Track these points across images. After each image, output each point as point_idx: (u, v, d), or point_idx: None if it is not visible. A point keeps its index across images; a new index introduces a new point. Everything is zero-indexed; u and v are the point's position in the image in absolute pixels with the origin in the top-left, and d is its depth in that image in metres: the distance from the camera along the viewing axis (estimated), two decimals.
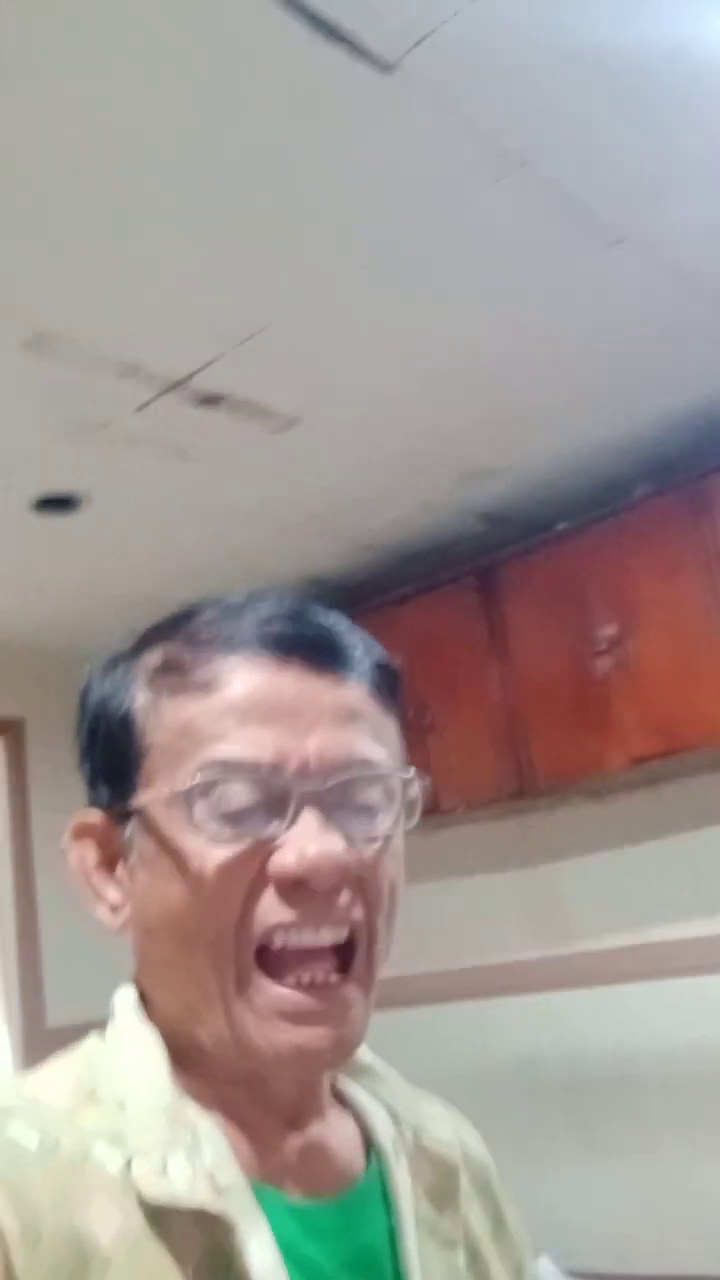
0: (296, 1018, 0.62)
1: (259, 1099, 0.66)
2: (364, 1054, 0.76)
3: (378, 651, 0.71)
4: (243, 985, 0.62)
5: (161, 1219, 0.58)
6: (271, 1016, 0.62)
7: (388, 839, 0.66)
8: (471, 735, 3.17)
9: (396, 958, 0.69)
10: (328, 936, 0.63)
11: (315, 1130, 0.69)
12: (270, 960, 0.63)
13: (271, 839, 0.62)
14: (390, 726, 0.70)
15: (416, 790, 0.68)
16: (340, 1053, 0.64)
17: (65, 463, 2.59)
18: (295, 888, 0.62)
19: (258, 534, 3.17)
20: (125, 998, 0.69)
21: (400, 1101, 0.75)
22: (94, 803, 0.70)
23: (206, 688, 0.65)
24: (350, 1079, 0.74)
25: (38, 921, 3.64)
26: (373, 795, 0.66)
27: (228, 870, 0.62)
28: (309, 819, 0.62)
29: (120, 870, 0.68)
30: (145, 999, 0.68)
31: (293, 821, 0.62)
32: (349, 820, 0.64)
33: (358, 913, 0.64)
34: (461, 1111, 0.82)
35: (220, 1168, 0.60)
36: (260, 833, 0.62)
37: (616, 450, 2.95)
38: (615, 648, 2.94)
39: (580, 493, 3.12)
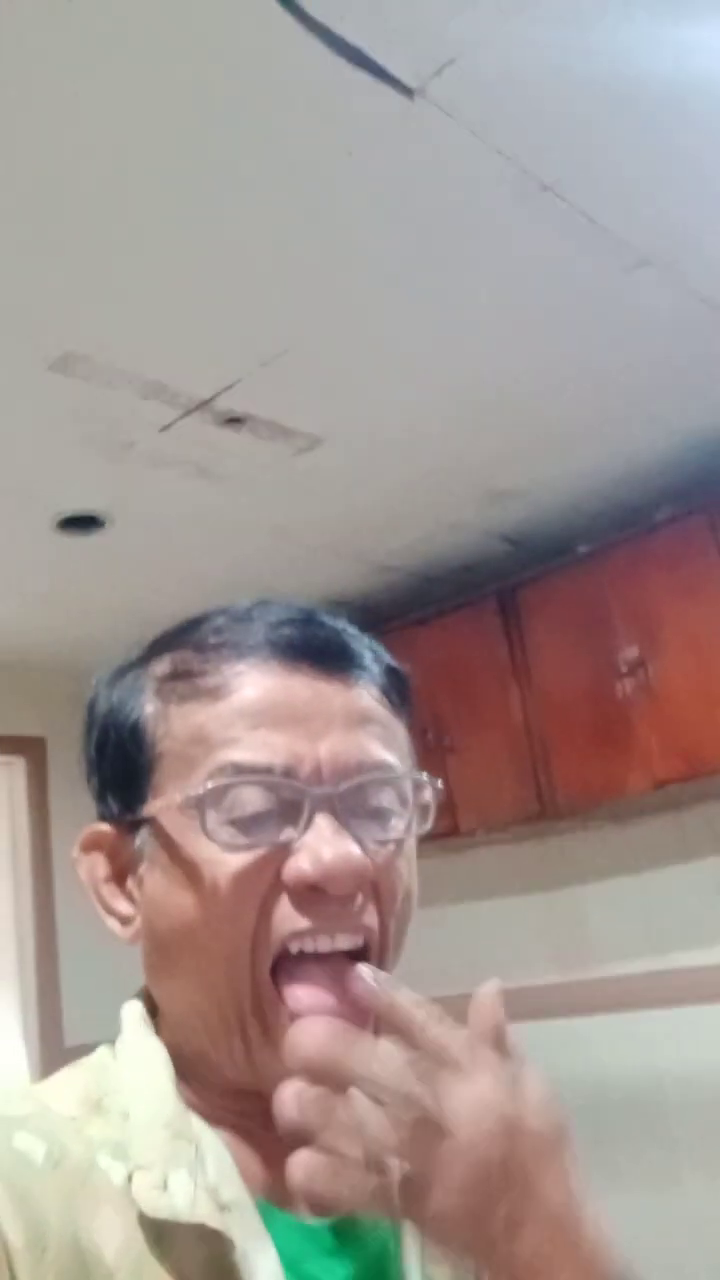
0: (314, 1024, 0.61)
1: (266, 1112, 0.66)
2: None
3: (385, 656, 0.71)
4: (258, 1008, 0.62)
5: (164, 1234, 0.57)
6: (287, 1029, 0.60)
7: (400, 843, 0.65)
8: (492, 757, 3.16)
9: (413, 980, 0.68)
10: (344, 943, 0.62)
11: None
12: (286, 967, 0.62)
13: (286, 845, 0.62)
14: (400, 730, 0.69)
15: (429, 794, 0.68)
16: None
17: (90, 482, 2.61)
18: (311, 894, 0.61)
19: (280, 554, 3.18)
20: (133, 1010, 0.68)
21: None
22: (103, 814, 0.69)
23: (216, 693, 0.64)
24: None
25: (57, 939, 3.64)
26: (385, 799, 0.65)
27: (242, 878, 0.61)
28: (323, 824, 0.61)
29: (130, 882, 0.67)
30: (155, 1011, 0.68)
31: (307, 827, 0.61)
32: (362, 824, 0.63)
33: (372, 918, 0.64)
34: None
35: (223, 1184, 0.59)
36: (274, 839, 0.62)
37: (639, 473, 2.95)
38: (637, 670, 2.93)
39: (602, 515, 3.12)
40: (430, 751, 3.07)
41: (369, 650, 0.69)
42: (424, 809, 0.67)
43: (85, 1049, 0.69)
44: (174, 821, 0.64)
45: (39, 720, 3.76)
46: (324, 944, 0.62)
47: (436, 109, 1.59)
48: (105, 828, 0.69)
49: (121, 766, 0.68)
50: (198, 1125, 0.62)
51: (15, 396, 2.20)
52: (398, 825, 0.65)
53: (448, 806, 3.10)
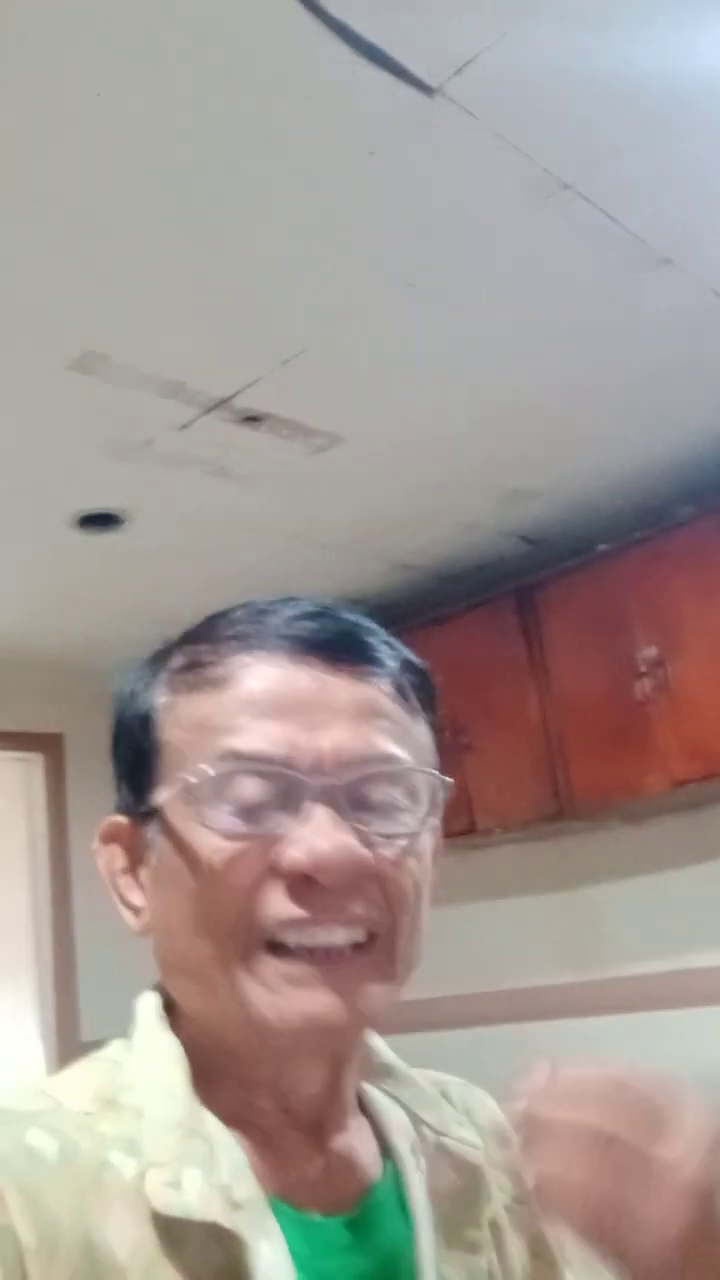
0: (306, 984, 0.61)
1: (282, 1109, 0.66)
2: (386, 1055, 0.75)
3: (405, 652, 0.70)
4: (249, 960, 0.61)
5: (177, 1232, 0.57)
6: (280, 986, 0.61)
7: (411, 839, 0.65)
8: (509, 757, 3.15)
9: (429, 979, 0.68)
10: (341, 936, 0.62)
11: (338, 1142, 0.68)
12: (281, 950, 0.62)
13: (282, 834, 0.61)
14: (418, 728, 0.69)
15: (443, 791, 0.67)
16: (351, 1023, 0.62)
17: (108, 481, 2.62)
18: (305, 884, 0.61)
19: (298, 552, 3.18)
20: (147, 1003, 0.68)
21: (422, 1104, 0.74)
22: (120, 806, 0.70)
23: (222, 684, 0.65)
24: (371, 1082, 0.73)
25: (74, 934, 3.66)
26: (392, 793, 0.64)
27: (236, 864, 0.61)
28: (321, 815, 0.61)
29: (143, 873, 0.68)
30: (171, 1006, 0.68)
31: (304, 817, 0.61)
32: (366, 818, 0.63)
33: (374, 913, 0.63)
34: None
35: (237, 1182, 0.59)
36: (272, 828, 0.62)
37: (657, 472, 2.94)
38: (655, 670, 2.92)
39: (621, 514, 3.11)
40: (447, 750, 3.04)
41: (385, 645, 0.69)
42: (438, 805, 0.67)
43: (101, 1044, 0.69)
44: (176, 811, 0.64)
45: (57, 717, 3.78)
46: (321, 936, 0.61)
47: (456, 108, 1.59)
48: (122, 819, 0.69)
49: (133, 757, 0.68)
50: (212, 1123, 0.62)
51: (34, 396, 2.21)
52: (408, 821, 0.65)
53: (464, 805, 3.10)
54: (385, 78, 1.52)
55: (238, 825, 0.62)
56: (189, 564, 3.15)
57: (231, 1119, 0.63)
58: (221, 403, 2.32)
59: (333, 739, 0.63)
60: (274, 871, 0.61)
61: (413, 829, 0.65)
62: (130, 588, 3.27)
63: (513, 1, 1.43)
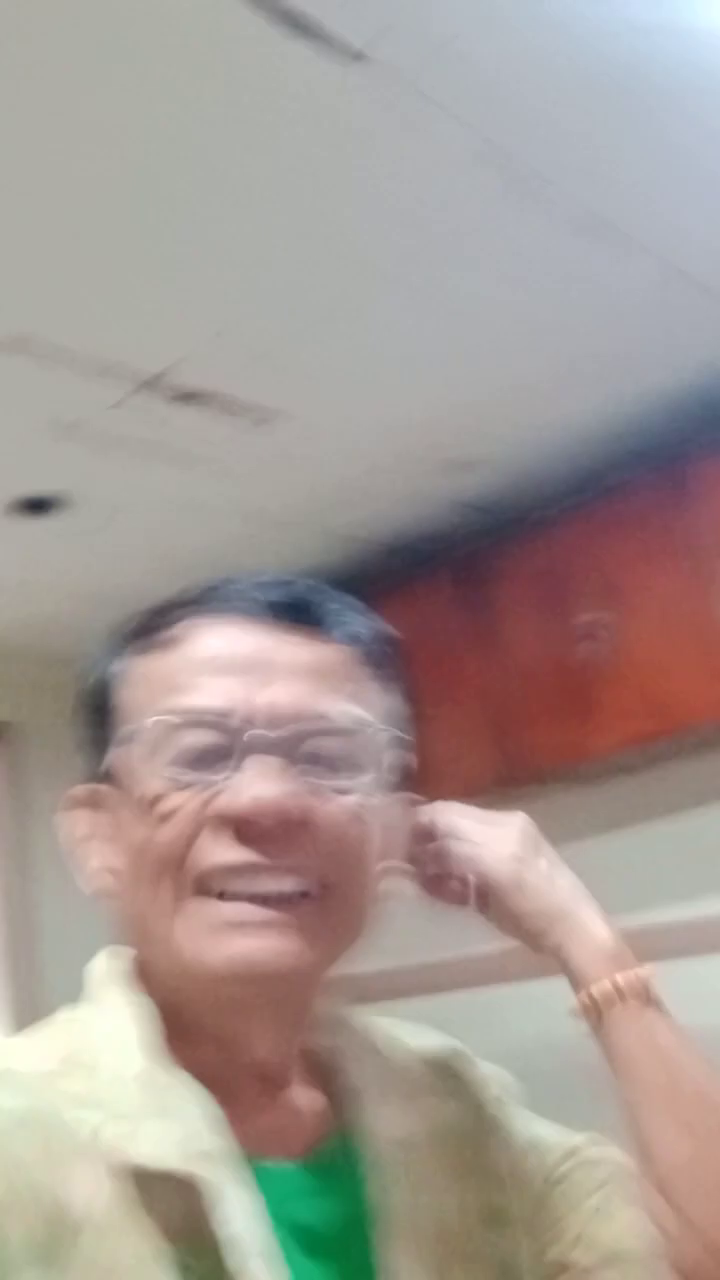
0: (245, 928, 0.62)
1: (235, 1061, 0.66)
2: (336, 1008, 0.76)
3: (367, 618, 0.72)
4: (192, 906, 0.63)
5: (137, 1184, 0.57)
6: (220, 928, 0.62)
7: (356, 797, 0.66)
8: (460, 724, 3.17)
9: (383, 948, 0.69)
10: (272, 884, 0.63)
11: (289, 1091, 0.69)
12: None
13: (223, 783, 0.63)
14: (378, 692, 0.70)
15: (398, 752, 0.68)
16: (287, 969, 0.63)
17: (43, 464, 2.58)
18: (238, 831, 0.62)
19: (239, 529, 3.16)
20: (98, 964, 0.70)
21: (375, 1050, 0.75)
22: (83, 774, 0.71)
23: (170, 645, 0.67)
24: (323, 1036, 0.74)
25: (35, 924, 3.63)
26: (335, 750, 0.65)
27: (178, 812, 0.63)
28: (261, 764, 0.63)
29: (100, 835, 0.69)
30: (137, 967, 0.69)
31: (241, 767, 0.63)
32: (308, 771, 0.64)
33: (315, 864, 0.64)
34: None
35: (200, 1133, 0.60)
36: (210, 778, 0.63)
37: (599, 438, 2.96)
38: (601, 633, 2.95)
39: (563, 481, 3.12)
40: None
41: (341, 608, 0.70)
42: (393, 768, 0.68)
43: None
44: (124, 765, 0.66)
45: (8, 705, 3.73)
46: (260, 884, 0.62)
47: (382, 72, 1.57)
48: (82, 787, 0.71)
49: (91, 723, 0.70)
50: (176, 1076, 0.62)
51: None
52: (352, 778, 0.66)
53: (415, 774, 3.12)
54: (306, 42, 1.50)
55: (180, 775, 0.63)
56: (133, 546, 3.12)
57: (195, 1073, 0.63)
58: (154, 379, 2.29)
59: (273, 695, 0.64)
60: (214, 819, 0.63)
61: (361, 786, 0.65)
62: (75, 572, 3.23)
63: None
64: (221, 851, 0.62)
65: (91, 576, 3.24)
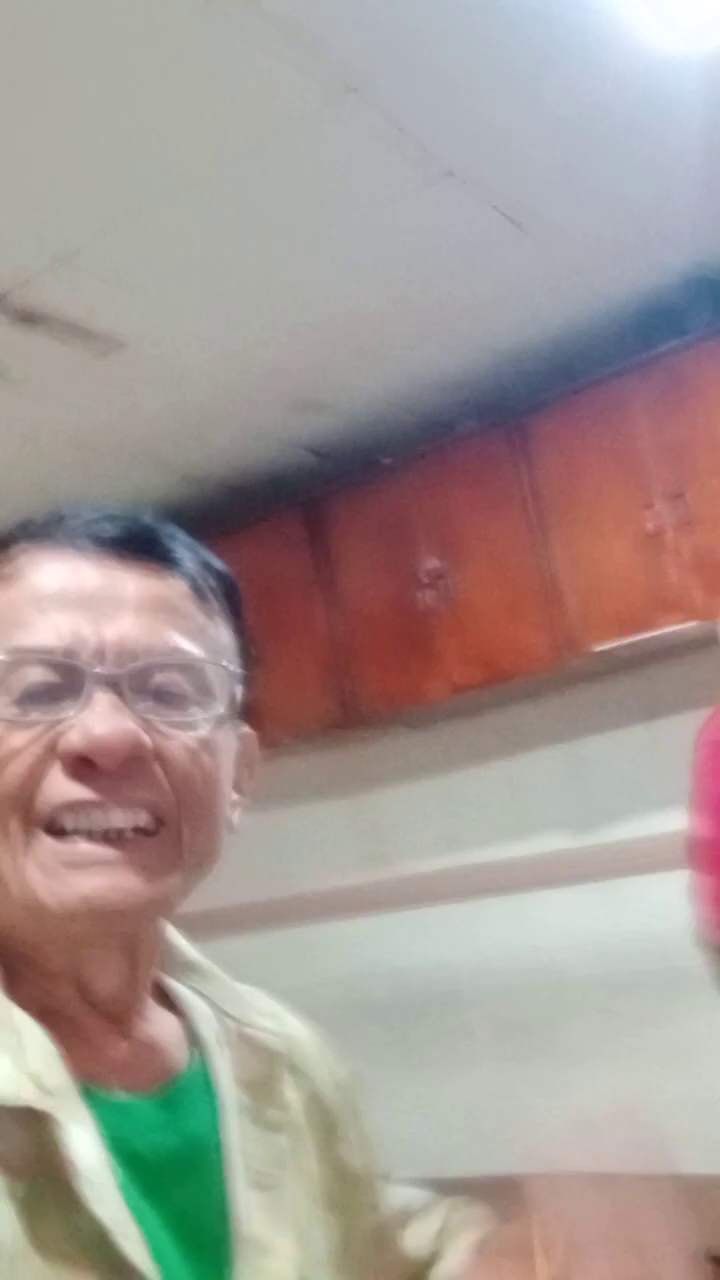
0: (83, 866, 0.61)
1: (81, 996, 0.66)
2: (189, 952, 0.77)
3: (204, 554, 0.71)
4: (29, 844, 0.62)
5: None
6: (57, 868, 0.61)
7: (202, 731, 0.66)
8: (297, 667, 3.20)
9: (226, 887, 0.69)
10: (120, 819, 0.62)
11: (139, 1027, 0.69)
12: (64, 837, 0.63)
13: (64, 720, 0.62)
14: (215, 628, 0.69)
15: (241, 689, 0.68)
16: (134, 906, 0.63)
17: None
18: (83, 767, 0.62)
19: (78, 460, 3.07)
20: None
21: (226, 997, 0.76)
22: None
23: (9, 579, 0.65)
24: (175, 978, 0.75)
25: None
26: (182, 685, 0.65)
27: (18, 750, 0.62)
28: (102, 700, 0.62)
29: None
30: None
31: (85, 704, 0.62)
32: (151, 708, 0.64)
33: (156, 797, 0.64)
34: None
35: (45, 1068, 0.60)
36: (53, 715, 0.62)
37: (442, 387, 2.99)
38: (438, 581, 3.01)
39: (407, 428, 3.15)
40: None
41: (181, 545, 0.69)
42: (233, 702, 0.68)
43: None
44: None
45: None
46: (98, 819, 0.62)
47: (238, 3, 1.53)
48: None
49: None
50: (17, 1015, 0.62)
51: None
52: (197, 713, 0.66)
53: (254, 715, 3.13)
54: None
55: (20, 713, 0.62)
56: None
57: (34, 1008, 0.63)
58: None
59: (117, 629, 0.63)
60: (55, 756, 0.62)
61: (200, 720, 0.66)
62: None
63: None
64: (68, 789, 0.61)
65: None
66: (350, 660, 3.17)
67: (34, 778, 0.62)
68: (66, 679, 0.62)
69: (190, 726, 0.65)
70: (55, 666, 0.62)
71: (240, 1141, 0.68)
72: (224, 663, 0.68)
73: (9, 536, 0.67)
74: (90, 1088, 0.62)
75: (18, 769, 0.62)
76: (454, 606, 2.99)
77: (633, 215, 2.33)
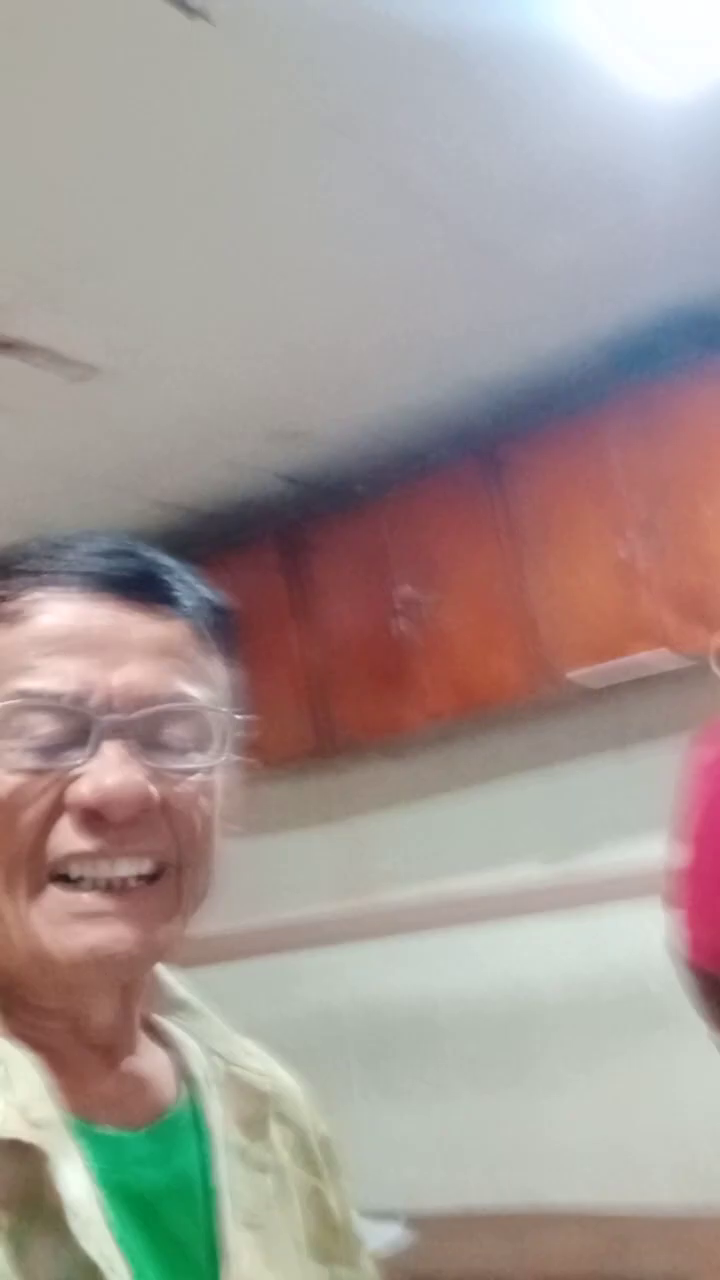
0: (90, 918, 0.61)
1: (73, 1032, 0.66)
2: (179, 990, 0.76)
3: (205, 590, 0.71)
4: (36, 894, 0.62)
5: None
6: (65, 920, 0.61)
7: (202, 775, 0.66)
8: (273, 695, 3.18)
9: (198, 916, 0.69)
10: (126, 869, 0.63)
11: (129, 1062, 0.69)
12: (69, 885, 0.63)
13: (72, 770, 0.62)
14: (214, 667, 0.69)
15: (237, 729, 0.68)
16: (139, 956, 0.63)
17: None
18: (92, 819, 0.61)
19: (52, 487, 3.06)
20: None
21: (214, 1036, 0.76)
22: None
23: (13, 620, 0.64)
24: (165, 1015, 0.75)
25: None
26: (184, 731, 0.65)
27: (26, 799, 0.61)
28: (110, 751, 0.62)
29: None
30: None
31: (93, 753, 0.61)
32: (157, 755, 0.63)
33: (162, 846, 0.64)
34: None
35: (34, 1101, 0.59)
36: (60, 764, 0.62)
37: (419, 417, 3.01)
38: (414, 610, 3.02)
39: (383, 457, 3.17)
40: None
41: (184, 584, 0.69)
42: (233, 743, 0.68)
43: None
44: None
45: None
46: (104, 869, 0.62)
47: (223, 33, 1.54)
48: None
49: None
50: (6, 1047, 0.61)
51: None
52: (199, 759, 0.65)
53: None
54: None
55: (27, 761, 0.61)
56: None
57: (24, 1040, 0.63)
58: None
59: (126, 676, 0.63)
60: (63, 807, 0.61)
61: (203, 766, 0.66)
62: None
63: None
64: (76, 841, 0.61)
65: None
66: (326, 689, 3.16)
67: (42, 828, 0.61)
68: (74, 726, 0.62)
69: (191, 774, 0.65)
70: (62, 713, 0.62)
71: (230, 1180, 0.67)
72: (224, 708, 0.68)
73: (5, 567, 0.66)
74: (80, 1121, 0.62)
75: (27, 818, 0.61)
76: (430, 635, 3.00)
77: (610, 252, 2.36)
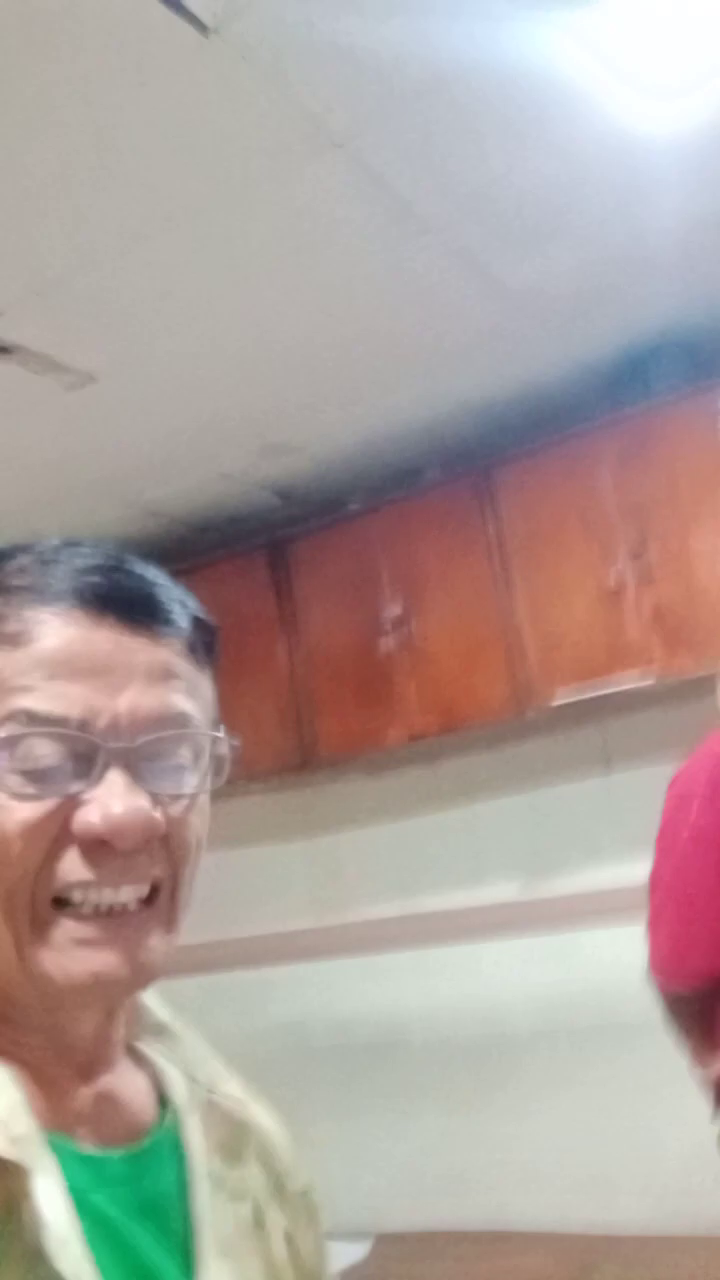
0: (93, 943, 0.62)
1: (54, 1046, 0.66)
2: (161, 1013, 0.76)
3: (195, 608, 0.71)
4: (38, 924, 0.62)
5: None
6: (67, 947, 0.61)
7: (195, 797, 0.66)
8: (256, 708, 3.19)
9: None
10: (128, 894, 0.63)
11: (108, 1081, 0.69)
12: (70, 910, 0.63)
13: (75, 796, 0.61)
14: (204, 684, 0.70)
15: (225, 748, 0.68)
16: (136, 979, 0.64)
17: None
18: (98, 847, 0.61)
19: (45, 493, 3.07)
20: None
21: (195, 1061, 0.76)
22: None
23: (15, 640, 0.63)
24: (146, 1038, 0.75)
25: None
26: (181, 753, 0.65)
27: (29, 827, 0.61)
28: (115, 778, 0.62)
29: None
30: None
31: (99, 780, 0.61)
32: (156, 778, 0.64)
33: (159, 868, 0.64)
34: None
35: (10, 1116, 0.59)
36: (65, 790, 0.61)
37: (411, 434, 3.02)
38: (400, 627, 3.02)
39: (373, 474, 3.18)
40: None
41: (178, 603, 0.69)
42: (220, 762, 0.68)
43: None
44: None
45: None
46: (108, 895, 0.62)
47: (232, 49, 1.56)
48: None
49: None
50: None
51: None
52: (192, 780, 0.66)
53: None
54: (162, 10, 1.47)
55: (30, 786, 0.61)
56: None
57: (5, 1054, 0.63)
58: None
59: (129, 702, 0.63)
60: (68, 834, 0.61)
61: (197, 787, 0.66)
62: None
63: None
64: (82, 870, 0.61)
65: None
66: (309, 703, 3.16)
67: (47, 855, 0.61)
68: (78, 752, 0.62)
69: (188, 794, 0.66)
70: (67, 738, 0.61)
71: (207, 1205, 0.67)
72: (216, 731, 0.68)
73: (3, 581, 0.65)
74: (55, 1138, 0.61)
75: (28, 845, 0.61)
76: (415, 653, 3.00)
77: (604, 278, 2.38)
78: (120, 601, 0.65)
